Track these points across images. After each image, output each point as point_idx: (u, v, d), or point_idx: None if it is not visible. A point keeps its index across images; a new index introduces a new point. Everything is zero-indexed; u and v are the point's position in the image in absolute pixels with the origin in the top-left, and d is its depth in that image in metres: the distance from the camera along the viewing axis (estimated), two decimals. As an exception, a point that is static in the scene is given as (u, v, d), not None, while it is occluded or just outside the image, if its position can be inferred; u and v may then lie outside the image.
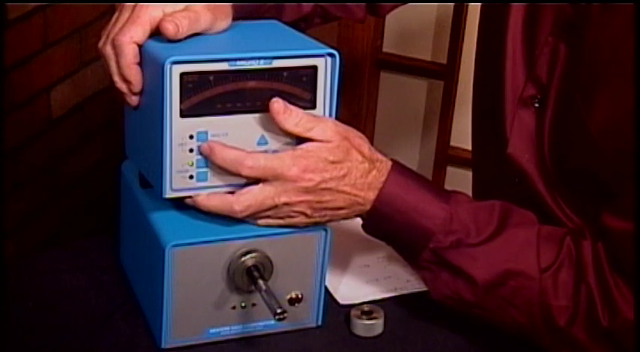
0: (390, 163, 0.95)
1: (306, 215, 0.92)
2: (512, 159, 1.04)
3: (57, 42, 1.76)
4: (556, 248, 0.93)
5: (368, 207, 0.94)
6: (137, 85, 0.90)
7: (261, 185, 0.90)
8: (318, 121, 0.91)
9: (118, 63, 0.90)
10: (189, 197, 0.92)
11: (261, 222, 0.93)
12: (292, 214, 0.92)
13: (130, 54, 0.89)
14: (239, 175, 0.89)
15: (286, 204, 0.91)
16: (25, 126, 1.70)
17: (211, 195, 0.91)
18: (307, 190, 0.91)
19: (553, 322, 0.92)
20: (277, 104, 0.89)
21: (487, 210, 0.96)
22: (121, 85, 0.91)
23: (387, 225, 0.95)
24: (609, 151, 0.91)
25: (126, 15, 0.91)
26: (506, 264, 0.93)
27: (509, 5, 1.04)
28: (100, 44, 0.92)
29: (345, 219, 0.95)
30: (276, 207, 0.91)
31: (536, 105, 1.02)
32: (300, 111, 0.90)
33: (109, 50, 0.91)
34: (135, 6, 0.91)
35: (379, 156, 0.95)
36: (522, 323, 0.94)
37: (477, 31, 1.17)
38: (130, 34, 0.89)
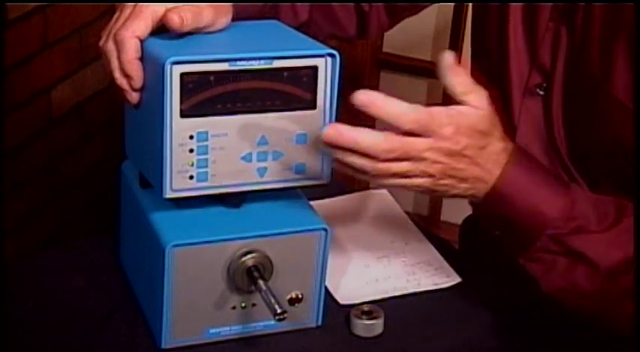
0: (512, 145, 0.93)
1: (433, 178, 0.89)
2: None
3: (57, 42, 1.76)
4: None
5: (490, 185, 0.92)
6: (138, 81, 0.90)
7: (412, 137, 0.87)
8: (478, 88, 0.90)
9: (119, 58, 0.90)
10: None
11: (381, 181, 0.89)
12: (422, 174, 0.89)
13: (131, 48, 0.89)
14: (399, 128, 0.86)
15: (426, 159, 0.88)
16: (25, 126, 1.70)
17: (361, 129, 0.86)
18: (450, 152, 0.88)
19: None
20: (448, 57, 0.88)
21: (605, 201, 0.94)
22: (122, 81, 0.91)
23: (504, 207, 0.92)
24: (634, 109, 0.90)
25: (127, 12, 0.91)
26: (628, 253, 0.91)
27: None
28: (102, 42, 0.92)
29: (458, 196, 0.92)
30: (415, 160, 0.88)
31: (542, 92, 1.01)
32: (463, 71, 0.89)
33: (110, 46, 0.90)
34: (136, 4, 0.91)
35: (507, 137, 0.93)
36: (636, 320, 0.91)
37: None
38: (132, 28, 0.89)
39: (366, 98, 0.85)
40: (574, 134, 1.00)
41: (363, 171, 0.87)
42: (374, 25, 1.24)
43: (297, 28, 1.13)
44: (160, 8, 0.90)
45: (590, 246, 0.91)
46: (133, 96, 0.91)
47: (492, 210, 0.94)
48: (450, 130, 0.87)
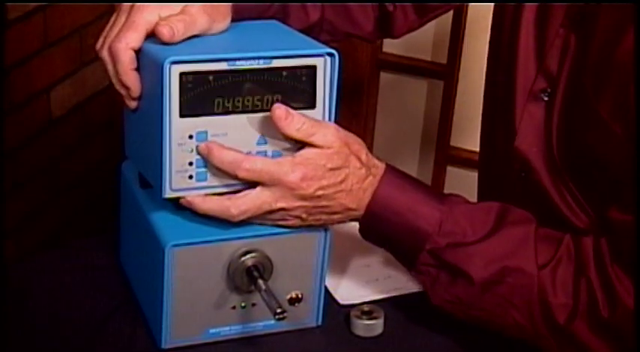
0: (384, 166, 0.96)
1: (301, 219, 0.93)
2: (519, 152, 1.04)
3: (57, 42, 1.76)
4: (554, 245, 0.93)
5: (362, 212, 0.94)
6: (135, 91, 0.91)
7: (258, 189, 0.90)
8: (320, 127, 0.91)
9: (115, 69, 0.90)
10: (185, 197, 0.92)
11: (255, 222, 0.93)
12: (288, 217, 0.93)
13: (126, 61, 0.89)
14: (235, 178, 0.90)
15: (283, 209, 0.91)
16: (25, 126, 1.71)
17: (208, 197, 0.91)
18: (304, 197, 0.91)
19: (554, 320, 0.92)
20: (279, 110, 0.90)
21: (484, 210, 0.96)
22: (120, 89, 0.92)
23: (382, 228, 0.95)
24: (620, 135, 0.91)
25: (122, 19, 0.91)
26: (503, 261, 0.93)
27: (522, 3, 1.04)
28: (98, 47, 0.92)
29: (339, 223, 0.96)
30: (272, 211, 0.91)
31: (546, 98, 1.02)
32: (302, 116, 0.91)
33: (105, 55, 0.91)
34: (131, 8, 0.91)
35: (375, 161, 0.95)
36: (523, 325, 0.94)
37: (477, 32, 1.17)
38: (125, 40, 0.89)
39: (205, 147, 0.89)
40: (568, 143, 1.00)
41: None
42: (401, 25, 1.23)
43: (309, 28, 1.13)
44: (154, 17, 0.90)
45: (465, 260, 0.93)
46: (132, 104, 0.92)
47: (372, 231, 0.97)
48: (296, 177, 0.90)
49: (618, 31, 0.92)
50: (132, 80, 0.90)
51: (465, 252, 0.93)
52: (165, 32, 0.88)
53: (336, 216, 0.94)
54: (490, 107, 1.16)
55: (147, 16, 0.90)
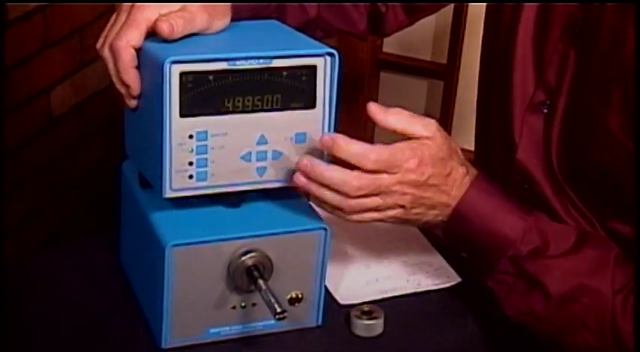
0: (477, 171, 0.97)
1: (405, 209, 0.93)
2: (521, 164, 1.04)
3: (57, 42, 1.76)
4: (629, 272, 0.93)
5: (452, 209, 0.95)
6: (135, 89, 0.91)
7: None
8: (420, 118, 0.93)
9: (116, 67, 0.90)
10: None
11: (356, 217, 0.93)
12: (394, 206, 0.93)
13: (127, 58, 0.89)
14: (362, 168, 0.90)
15: (396, 192, 0.91)
16: (25, 126, 1.71)
17: (332, 166, 0.90)
18: (417, 183, 0.92)
19: (625, 346, 0.92)
20: (374, 105, 0.92)
21: (566, 229, 0.97)
22: (120, 88, 0.92)
23: (466, 229, 0.95)
24: (632, 148, 0.91)
25: (123, 17, 0.91)
26: (581, 279, 0.93)
27: (519, 12, 1.03)
28: (98, 46, 0.93)
29: (428, 222, 0.96)
30: (385, 194, 0.91)
31: (545, 110, 1.02)
32: (399, 109, 0.93)
33: (107, 53, 0.91)
34: (132, 7, 0.91)
35: (469, 163, 0.97)
36: (595, 347, 0.93)
37: (477, 32, 1.17)
38: (126, 38, 0.89)
39: (329, 139, 0.90)
40: (568, 155, 1.00)
41: (338, 208, 0.91)
42: (392, 24, 1.25)
43: (306, 25, 1.13)
44: (154, 15, 0.90)
45: (545, 272, 0.94)
46: (132, 102, 0.92)
47: (456, 232, 0.97)
48: (415, 163, 0.91)
49: (619, 39, 0.92)
50: (132, 78, 0.90)
51: (545, 264, 0.94)
52: (164, 28, 0.88)
53: (432, 212, 0.95)
54: (485, 119, 1.16)
55: (147, 14, 0.90)
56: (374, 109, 0.92)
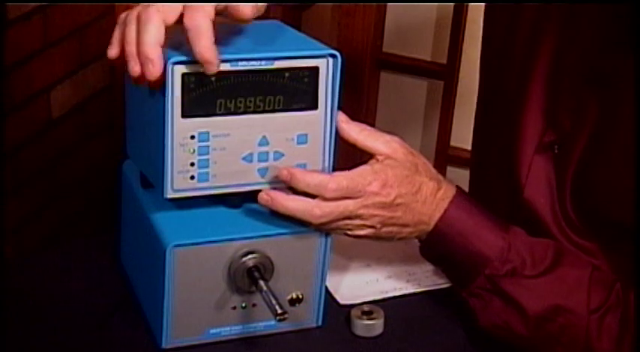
0: (454, 187, 0.97)
1: (374, 229, 0.94)
2: (528, 203, 1.03)
3: (57, 42, 1.76)
4: (606, 292, 0.94)
5: (431, 226, 0.95)
6: (159, 67, 0.82)
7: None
8: (382, 134, 0.94)
9: (139, 37, 0.82)
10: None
11: (332, 231, 0.94)
12: (362, 227, 0.94)
13: (156, 32, 0.81)
14: (323, 199, 0.90)
15: (361, 216, 0.92)
16: (25, 126, 1.71)
17: (291, 196, 0.91)
18: (384, 205, 0.92)
19: None
20: (342, 115, 0.92)
21: (543, 246, 0.97)
22: (135, 65, 0.83)
23: (445, 247, 0.96)
24: None
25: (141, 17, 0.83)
26: (557, 300, 0.94)
27: (537, 52, 1.01)
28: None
29: (404, 238, 0.97)
30: (351, 217, 0.92)
31: (556, 150, 1.01)
32: (363, 124, 0.94)
33: (132, 18, 0.82)
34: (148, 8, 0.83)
35: (443, 178, 0.97)
36: None
37: (477, 32, 1.16)
38: (173, 11, 0.82)
39: (287, 174, 0.90)
40: (582, 195, 0.99)
41: (307, 222, 0.92)
42: None
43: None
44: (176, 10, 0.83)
45: (522, 292, 0.94)
46: (152, 82, 0.83)
47: (435, 249, 0.97)
48: (378, 185, 0.92)
49: None
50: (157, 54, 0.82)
51: (521, 284, 0.94)
52: (248, 8, 0.83)
53: (406, 229, 0.95)
54: (488, 158, 1.14)
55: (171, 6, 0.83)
56: (339, 118, 0.93)
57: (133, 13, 0.83)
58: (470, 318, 0.98)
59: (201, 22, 0.81)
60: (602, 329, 0.92)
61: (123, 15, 0.85)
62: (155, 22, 0.82)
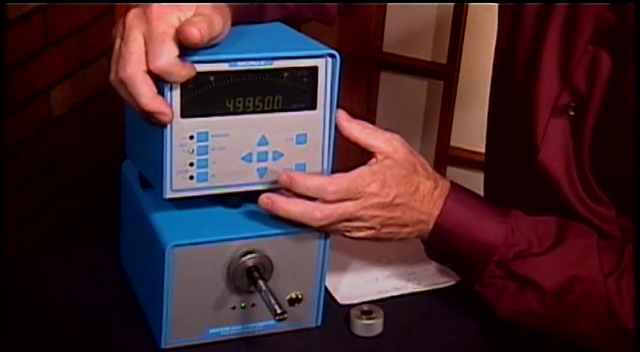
0: (449, 182, 0.97)
1: (374, 230, 0.94)
2: (542, 166, 1.03)
3: (57, 42, 1.76)
4: (617, 255, 0.94)
5: (431, 225, 0.95)
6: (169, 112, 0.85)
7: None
8: (383, 133, 0.94)
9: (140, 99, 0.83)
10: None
11: (332, 232, 0.95)
12: (362, 228, 0.94)
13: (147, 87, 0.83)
14: (323, 200, 0.91)
15: (361, 218, 0.93)
16: (25, 126, 1.71)
17: (291, 199, 0.91)
18: (383, 205, 0.92)
19: (623, 327, 0.93)
20: (342, 113, 0.92)
21: (545, 223, 0.97)
22: (146, 115, 0.85)
23: (449, 243, 0.96)
24: None
25: (137, 32, 0.83)
26: (571, 270, 0.94)
27: (549, 15, 1.02)
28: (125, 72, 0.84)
29: (403, 239, 0.97)
30: (350, 219, 0.92)
31: (572, 112, 1.01)
32: (364, 122, 0.93)
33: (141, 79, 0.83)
34: (145, 16, 0.83)
35: (439, 176, 0.97)
36: (592, 333, 0.94)
37: (477, 32, 1.16)
38: (167, 54, 0.82)
39: (286, 178, 0.91)
40: (600, 157, 1.00)
41: (307, 224, 0.92)
42: (363, 7, 1.24)
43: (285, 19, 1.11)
44: (175, 21, 0.82)
45: (534, 270, 0.94)
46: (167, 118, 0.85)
47: (439, 246, 0.98)
48: (377, 186, 0.92)
49: None
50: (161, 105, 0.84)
51: (532, 263, 0.94)
52: (196, 34, 0.81)
53: (406, 229, 0.95)
54: (501, 120, 1.14)
55: (170, 21, 0.82)
56: (340, 116, 0.93)
57: (120, 40, 0.83)
58: (487, 310, 0.97)
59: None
60: (622, 292, 0.92)
61: (114, 34, 0.85)
62: (140, 80, 0.83)
